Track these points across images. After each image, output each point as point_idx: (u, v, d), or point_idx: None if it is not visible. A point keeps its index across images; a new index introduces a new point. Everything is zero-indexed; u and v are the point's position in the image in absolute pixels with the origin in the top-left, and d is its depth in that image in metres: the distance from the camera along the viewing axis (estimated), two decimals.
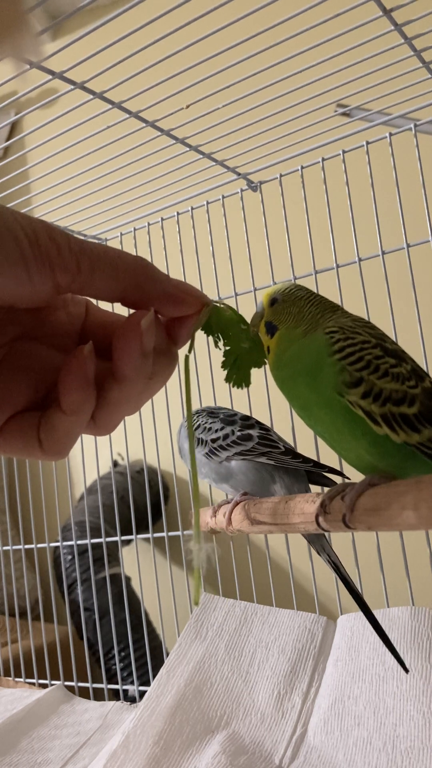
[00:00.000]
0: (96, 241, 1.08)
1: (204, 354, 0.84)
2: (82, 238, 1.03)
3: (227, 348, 0.36)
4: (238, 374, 0.36)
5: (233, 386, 0.37)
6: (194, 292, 0.31)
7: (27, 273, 0.26)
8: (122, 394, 0.30)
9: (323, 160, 0.86)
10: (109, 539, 1.12)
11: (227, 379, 0.37)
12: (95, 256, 0.28)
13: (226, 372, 0.37)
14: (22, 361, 0.31)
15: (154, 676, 0.84)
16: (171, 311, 0.31)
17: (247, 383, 0.37)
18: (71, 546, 1.32)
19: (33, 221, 0.27)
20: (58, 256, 0.27)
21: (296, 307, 0.51)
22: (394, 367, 0.46)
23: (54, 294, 0.28)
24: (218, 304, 0.33)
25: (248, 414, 0.80)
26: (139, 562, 1.06)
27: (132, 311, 0.30)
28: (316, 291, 0.53)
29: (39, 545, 1.16)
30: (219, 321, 0.33)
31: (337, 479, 0.70)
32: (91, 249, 0.28)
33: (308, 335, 0.49)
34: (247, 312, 0.53)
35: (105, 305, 0.89)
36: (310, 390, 0.47)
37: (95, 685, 1.02)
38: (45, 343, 0.31)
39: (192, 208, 0.98)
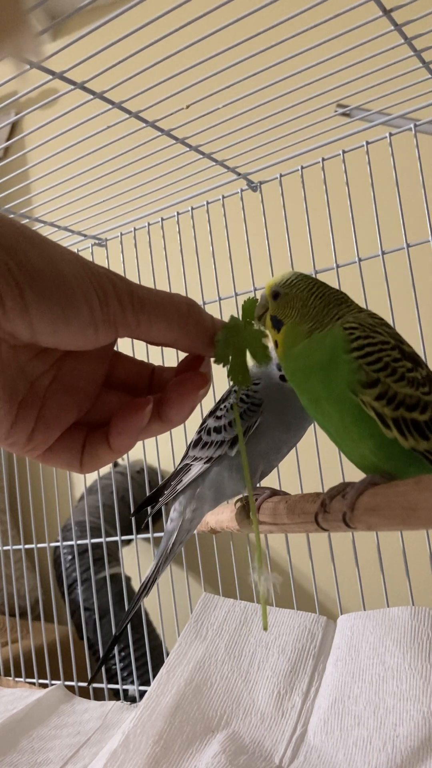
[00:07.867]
0: (96, 241, 1.08)
1: None
2: (82, 236, 1.00)
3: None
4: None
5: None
6: None
7: (95, 333, 0.29)
8: (162, 429, 0.34)
9: (323, 160, 0.86)
10: (109, 539, 1.12)
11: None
12: (153, 311, 0.31)
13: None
14: (70, 381, 0.33)
15: (154, 676, 0.84)
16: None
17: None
18: (71, 546, 1.32)
19: (100, 277, 0.30)
20: (122, 317, 0.30)
21: (300, 300, 0.49)
22: (411, 371, 0.46)
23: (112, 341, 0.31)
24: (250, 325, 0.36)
25: None
26: (139, 562, 1.06)
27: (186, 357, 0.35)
28: None
29: (39, 545, 1.16)
30: (239, 338, 0.35)
31: None
32: (150, 304, 0.31)
33: (317, 331, 0.48)
34: None
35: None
36: (322, 385, 0.46)
37: (95, 685, 1.02)
38: (87, 353, 0.34)
39: (192, 208, 0.98)
